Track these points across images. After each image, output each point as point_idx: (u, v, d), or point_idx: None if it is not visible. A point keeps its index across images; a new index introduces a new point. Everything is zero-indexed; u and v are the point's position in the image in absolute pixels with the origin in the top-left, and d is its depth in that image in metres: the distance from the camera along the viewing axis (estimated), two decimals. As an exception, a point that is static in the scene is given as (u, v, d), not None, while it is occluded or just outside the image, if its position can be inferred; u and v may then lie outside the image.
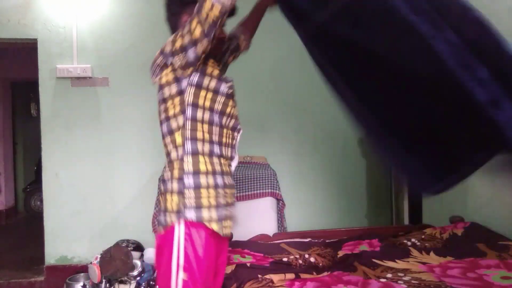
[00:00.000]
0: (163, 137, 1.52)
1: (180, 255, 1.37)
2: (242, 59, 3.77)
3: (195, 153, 1.46)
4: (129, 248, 3.20)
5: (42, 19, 3.48)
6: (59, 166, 3.55)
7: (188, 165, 1.44)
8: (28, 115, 6.80)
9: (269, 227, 3.03)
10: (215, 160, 1.48)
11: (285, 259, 2.10)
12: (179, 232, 1.39)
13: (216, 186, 1.45)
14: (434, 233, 2.32)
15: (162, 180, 1.52)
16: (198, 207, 1.40)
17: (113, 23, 3.59)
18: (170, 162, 1.50)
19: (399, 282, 1.71)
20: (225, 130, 1.61)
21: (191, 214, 1.39)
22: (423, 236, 2.30)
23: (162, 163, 3.52)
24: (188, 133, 1.46)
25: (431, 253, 2.07)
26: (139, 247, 3.43)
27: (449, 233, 2.28)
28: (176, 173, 1.44)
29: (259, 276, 1.78)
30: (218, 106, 1.57)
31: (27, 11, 3.46)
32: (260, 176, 3.20)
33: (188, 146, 1.46)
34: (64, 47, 3.51)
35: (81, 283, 3.19)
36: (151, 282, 3.15)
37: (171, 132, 1.49)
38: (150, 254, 3.30)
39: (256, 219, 2.98)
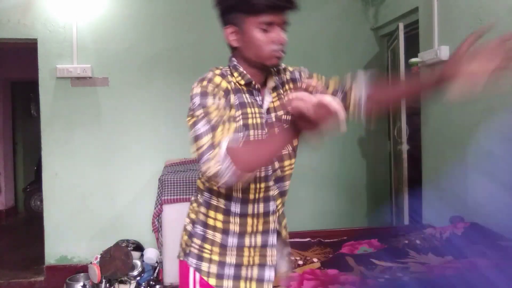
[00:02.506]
0: None
1: None
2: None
3: (207, 206, 1.33)
4: (129, 248, 3.20)
5: (42, 19, 3.48)
6: (59, 166, 3.55)
7: (200, 215, 1.34)
8: (28, 115, 6.79)
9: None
10: (232, 219, 1.30)
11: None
12: (194, 276, 1.33)
13: (222, 245, 1.31)
14: (434, 233, 2.32)
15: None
16: (200, 258, 1.32)
17: (113, 23, 3.59)
18: (193, 201, 1.41)
19: (398, 282, 1.71)
20: (251, 185, 1.29)
21: (192, 262, 1.32)
22: (422, 236, 2.30)
23: (162, 163, 3.54)
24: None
25: (429, 254, 2.07)
26: (139, 247, 3.43)
27: (449, 232, 2.28)
28: (192, 214, 1.38)
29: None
30: None
31: (27, 11, 3.46)
32: (260, 176, 3.19)
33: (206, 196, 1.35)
34: (64, 47, 3.51)
35: (81, 283, 3.19)
36: (151, 282, 3.16)
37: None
38: (150, 254, 3.30)
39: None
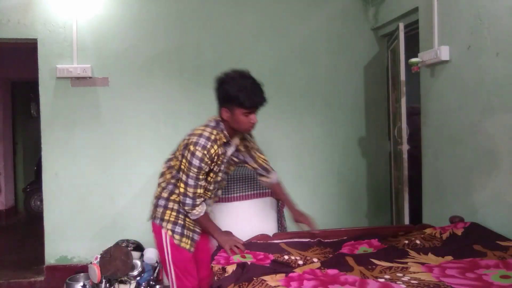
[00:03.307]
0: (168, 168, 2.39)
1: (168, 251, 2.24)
2: (243, 59, 3.79)
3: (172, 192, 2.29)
4: (129, 248, 3.20)
5: (42, 19, 3.48)
6: (59, 166, 3.56)
7: (165, 194, 2.29)
8: (28, 115, 6.80)
9: (269, 227, 3.03)
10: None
11: (286, 257, 2.10)
12: (166, 237, 2.23)
13: (178, 212, 2.25)
14: (434, 233, 2.31)
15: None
16: (162, 219, 2.25)
17: (113, 23, 3.59)
18: (159, 184, 2.37)
19: (398, 282, 1.70)
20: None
21: (159, 222, 2.25)
22: (422, 236, 2.30)
23: (162, 163, 3.53)
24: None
25: (429, 254, 2.07)
26: (139, 247, 3.43)
27: (449, 232, 2.28)
28: (158, 192, 2.32)
29: (254, 279, 1.77)
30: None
31: (27, 11, 3.46)
32: (260, 176, 3.20)
33: (170, 186, 2.29)
34: (64, 47, 3.51)
35: (81, 283, 3.19)
36: (151, 282, 3.16)
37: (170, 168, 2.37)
38: (150, 254, 3.30)
39: (256, 219, 2.98)
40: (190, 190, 2.11)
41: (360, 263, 1.97)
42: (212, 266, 2.03)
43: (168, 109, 3.68)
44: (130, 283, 3.05)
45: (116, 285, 3.03)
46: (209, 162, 2.09)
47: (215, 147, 2.10)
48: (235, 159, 2.33)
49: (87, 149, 3.59)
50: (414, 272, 1.82)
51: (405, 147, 3.23)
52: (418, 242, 2.25)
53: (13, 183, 6.40)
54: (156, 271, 3.26)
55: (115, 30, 3.60)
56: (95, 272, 2.94)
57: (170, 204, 2.24)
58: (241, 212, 3.13)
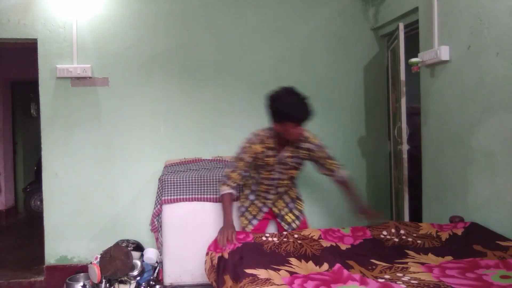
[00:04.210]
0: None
1: None
2: (243, 59, 3.79)
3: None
4: (129, 248, 3.20)
5: (42, 19, 3.48)
6: (59, 166, 3.55)
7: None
8: (28, 115, 6.80)
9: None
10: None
11: (264, 238, 2.25)
12: None
13: (246, 197, 2.79)
14: (430, 232, 2.31)
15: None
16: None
17: (113, 23, 3.59)
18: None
19: (398, 282, 1.70)
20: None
21: None
22: (415, 235, 2.30)
23: (162, 163, 3.54)
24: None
25: (430, 254, 2.07)
26: (139, 247, 3.43)
27: (448, 233, 2.28)
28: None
29: (257, 277, 1.78)
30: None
31: (27, 11, 3.46)
32: (260, 176, 3.20)
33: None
34: (64, 47, 3.51)
35: (81, 283, 3.19)
36: (151, 282, 3.16)
37: None
38: (150, 254, 3.30)
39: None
40: (228, 170, 2.59)
41: (360, 263, 1.97)
42: (206, 253, 2.29)
43: (168, 109, 3.68)
44: (130, 283, 3.05)
45: (116, 285, 3.03)
46: (253, 155, 2.51)
47: (260, 145, 2.51)
48: (295, 164, 2.60)
49: (87, 149, 3.59)
50: (414, 272, 1.83)
51: (405, 147, 3.23)
52: (410, 239, 2.25)
53: (13, 183, 6.39)
54: (156, 271, 3.27)
55: (115, 30, 3.60)
56: (95, 272, 2.95)
57: (244, 190, 2.80)
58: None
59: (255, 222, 2.72)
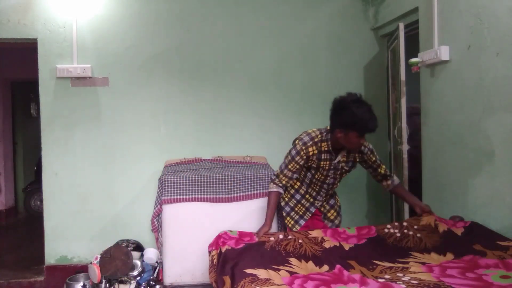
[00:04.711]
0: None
1: None
2: (243, 59, 3.79)
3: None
4: (129, 248, 3.20)
5: (42, 19, 3.48)
6: (59, 166, 3.55)
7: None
8: (28, 115, 6.80)
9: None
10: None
11: (272, 238, 2.25)
12: None
13: (292, 196, 2.73)
14: (429, 222, 2.34)
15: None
16: (283, 198, 2.76)
17: (113, 23, 3.59)
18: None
19: (398, 282, 1.71)
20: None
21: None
22: (416, 227, 2.32)
23: (162, 163, 3.54)
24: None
25: (432, 253, 2.08)
26: (139, 247, 3.43)
27: (447, 227, 2.28)
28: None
29: (257, 277, 1.78)
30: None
31: (27, 11, 3.46)
32: (260, 176, 3.20)
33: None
34: (64, 47, 3.51)
35: (81, 283, 3.19)
36: (151, 282, 3.16)
37: None
38: (150, 254, 3.30)
39: (256, 219, 2.98)
40: (278, 170, 2.57)
41: (361, 263, 1.97)
42: (209, 251, 2.30)
43: (168, 109, 3.68)
44: (130, 283, 3.05)
45: (116, 285, 3.03)
46: (304, 157, 2.47)
47: (314, 147, 2.46)
48: (348, 168, 2.60)
49: (87, 149, 3.59)
50: (415, 272, 1.83)
51: (405, 147, 3.23)
52: (411, 233, 2.27)
53: (13, 183, 6.40)
54: (156, 271, 3.27)
55: (115, 30, 3.60)
56: (95, 272, 2.95)
57: (290, 189, 2.73)
58: (241, 212, 3.14)
59: (302, 222, 2.68)
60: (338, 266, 1.89)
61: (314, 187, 2.63)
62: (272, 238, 2.25)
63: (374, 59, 3.94)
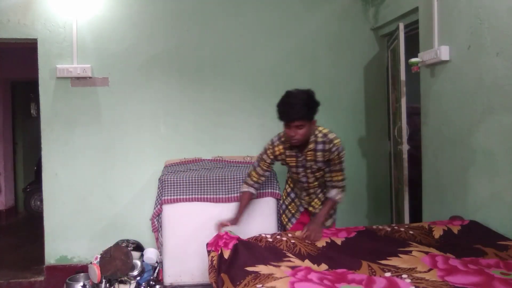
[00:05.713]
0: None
1: None
2: (243, 59, 3.79)
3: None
4: (129, 248, 3.20)
5: (42, 19, 3.48)
6: (59, 166, 3.55)
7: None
8: (28, 115, 6.80)
9: (269, 227, 3.03)
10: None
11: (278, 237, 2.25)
12: None
13: (287, 194, 2.88)
14: (422, 225, 2.35)
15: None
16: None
17: (113, 23, 3.59)
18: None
19: (403, 276, 1.72)
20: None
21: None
22: (411, 225, 2.34)
23: (162, 163, 3.54)
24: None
25: (431, 248, 2.08)
26: (139, 247, 3.43)
27: (443, 228, 2.28)
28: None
29: (260, 274, 1.78)
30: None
31: (27, 11, 3.46)
32: (260, 176, 3.20)
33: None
34: (64, 47, 3.51)
35: (81, 283, 3.19)
36: (151, 282, 3.16)
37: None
38: (150, 254, 3.30)
39: (256, 219, 2.98)
40: (250, 169, 2.70)
41: (367, 259, 1.98)
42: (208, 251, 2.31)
43: (168, 109, 3.68)
44: (130, 283, 3.05)
45: (116, 285, 3.03)
46: (271, 156, 2.59)
47: (281, 146, 2.56)
48: (318, 167, 2.58)
49: (87, 149, 3.59)
50: (420, 272, 1.82)
51: (405, 147, 3.23)
52: (402, 229, 2.32)
53: (13, 183, 6.39)
54: (156, 271, 3.27)
55: (115, 30, 3.60)
56: (95, 272, 2.95)
57: (286, 187, 2.88)
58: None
59: (293, 220, 2.81)
60: (339, 269, 1.88)
61: (297, 186, 2.76)
62: (269, 239, 2.25)
63: (374, 59, 3.94)
